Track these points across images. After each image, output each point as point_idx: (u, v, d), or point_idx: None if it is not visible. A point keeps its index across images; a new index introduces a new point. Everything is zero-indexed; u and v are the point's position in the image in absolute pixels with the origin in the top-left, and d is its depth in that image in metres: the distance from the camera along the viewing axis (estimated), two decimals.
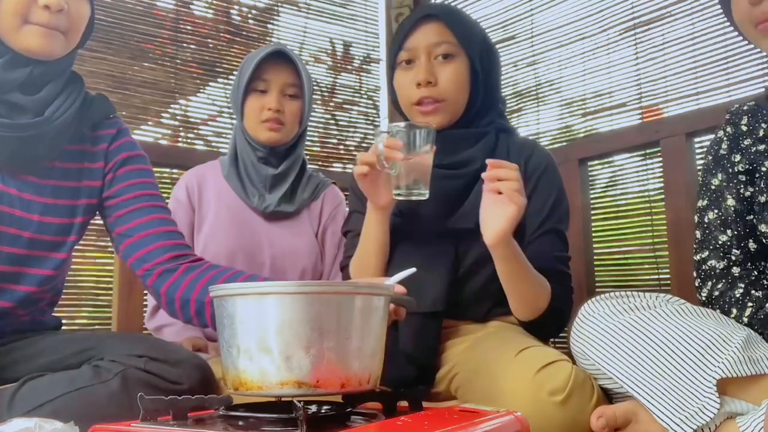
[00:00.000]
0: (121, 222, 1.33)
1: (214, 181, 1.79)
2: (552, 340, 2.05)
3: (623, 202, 2.17)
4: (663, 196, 1.97)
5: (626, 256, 2.14)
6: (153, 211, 1.34)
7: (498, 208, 1.22)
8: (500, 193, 1.22)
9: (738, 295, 1.27)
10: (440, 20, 1.47)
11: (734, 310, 1.26)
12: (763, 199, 1.28)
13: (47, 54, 1.21)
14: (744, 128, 1.35)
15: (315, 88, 2.53)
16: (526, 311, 1.35)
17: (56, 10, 1.18)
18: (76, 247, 1.35)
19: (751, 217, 1.32)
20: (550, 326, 1.39)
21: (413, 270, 1.13)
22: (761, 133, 1.32)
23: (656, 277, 2.02)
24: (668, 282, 1.94)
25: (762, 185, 1.28)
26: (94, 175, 1.33)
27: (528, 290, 1.33)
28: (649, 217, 2.06)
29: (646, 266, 2.08)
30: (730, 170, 1.34)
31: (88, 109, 1.32)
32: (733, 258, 1.32)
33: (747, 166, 1.33)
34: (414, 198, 1.26)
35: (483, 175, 1.24)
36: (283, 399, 0.89)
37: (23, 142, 1.21)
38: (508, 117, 2.43)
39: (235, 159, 1.78)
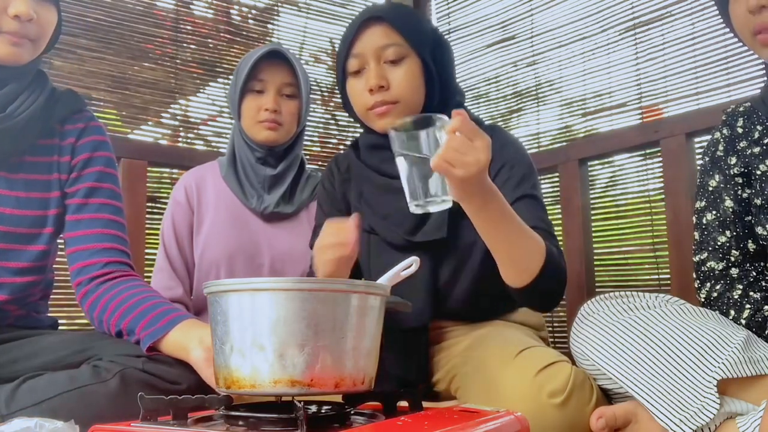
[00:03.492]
0: (70, 227, 1.35)
1: (213, 182, 1.79)
2: (552, 340, 2.07)
3: (623, 202, 2.17)
4: (663, 196, 1.97)
5: (626, 256, 2.13)
6: (97, 224, 1.35)
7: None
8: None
9: (736, 297, 1.27)
10: (385, 21, 1.41)
11: (732, 312, 1.26)
12: (759, 202, 1.28)
13: (16, 62, 1.25)
14: (740, 130, 1.35)
15: (315, 88, 2.53)
16: (518, 272, 1.19)
17: (26, 19, 1.21)
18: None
19: (750, 218, 1.32)
20: (550, 288, 1.23)
21: (410, 263, 1.09)
22: (756, 135, 1.32)
23: (656, 277, 2.02)
24: (668, 282, 1.94)
25: (758, 188, 1.28)
26: (63, 169, 1.36)
27: (517, 244, 1.16)
28: (649, 217, 2.06)
29: (646, 266, 2.08)
30: (727, 172, 1.35)
31: (55, 104, 1.34)
32: (732, 259, 1.32)
33: (743, 169, 1.33)
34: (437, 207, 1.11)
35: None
36: (283, 399, 0.89)
37: None
38: (509, 117, 2.45)
39: (233, 160, 1.78)
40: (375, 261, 1.42)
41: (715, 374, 1.09)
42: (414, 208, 1.10)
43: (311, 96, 2.53)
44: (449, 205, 1.09)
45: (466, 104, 1.59)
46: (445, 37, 1.54)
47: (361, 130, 1.55)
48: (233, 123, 1.81)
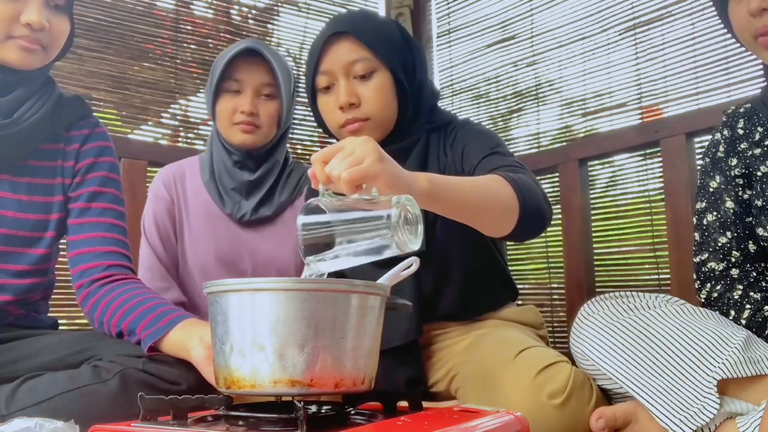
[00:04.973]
0: (72, 230, 1.35)
1: (192, 181, 1.71)
2: (552, 340, 2.07)
3: (623, 202, 2.17)
4: (663, 196, 1.97)
5: (626, 256, 2.13)
6: (100, 228, 1.35)
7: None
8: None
9: (736, 297, 1.27)
10: (351, 35, 1.38)
11: (732, 312, 1.26)
12: (760, 203, 1.28)
13: (25, 67, 1.26)
14: (740, 131, 1.35)
15: None
16: (498, 224, 1.15)
17: (38, 28, 1.22)
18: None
19: (750, 219, 1.32)
20: (537, 217, 1.19)
21: (409, 263, 1.06)
22: (757, 136, 1.32)
23: (656, 277, 2.02)
24: (668, 282, 1.94)
25: (759, 189, 1.29)
26: (67, 173, 1.36)
27: (487, 206, 1.12)
28: (649, 217, 2.06)
29: (646, 266, 2.08)
30: (728, 173, 1.35)
31: (61, 110, 1.35)
32: (733, 260, 1.32)
33: (744, 170, 1.33)
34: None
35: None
36: (283, 399, 0.89)
37: None
38: (509, 117, 2.45)
39: (212, 163, 1.69)
40: (355, 273, 1.40)
41: (715, 374, 1.09)
42: (401, 237, 0.86)
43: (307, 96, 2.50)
44: (408, 199, 0.88)
45: (440, 103, 1.56)
46: (414, 39, 1.50)
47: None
48: (212, 125, 1.72)
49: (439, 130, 1.46)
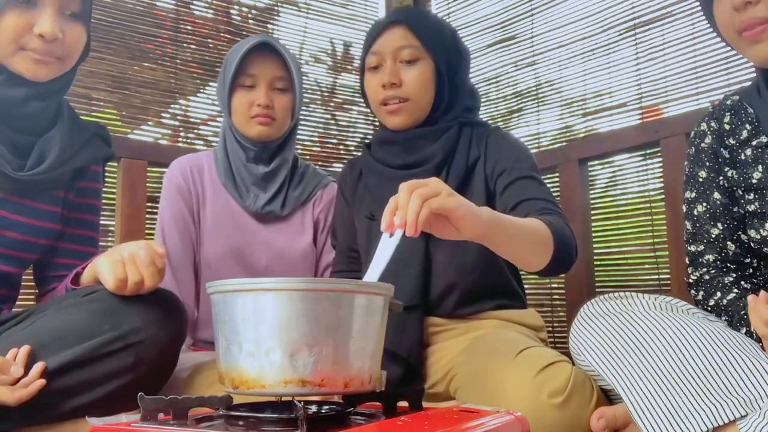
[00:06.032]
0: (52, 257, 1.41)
1: (210, 175, 1.73)
2: (552, 340, 2.07)
3: (623, 202, 2.17)
4: (663, 196, 1.97)
5: (626, 256, 2.13)
6: (74, 255, 1.41)
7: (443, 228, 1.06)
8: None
9: (726, 282, 1.28)
10: (405, 25, 1.52)
11: (718, 294, 1.27)
12: (751, 208, 1.28)
13: (38, 78, 1.25)
14: (726, 126, 1.34)
15: (315, 88, 2.53)
16: (537, 263, 1.23)
17: (50, 39, 1.21)
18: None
19: (737, 209, 1.32)
20: (565, 262, 1.27)
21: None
22: (744, 134, 1.31)
23: (656, 277, 2.02)
24: (668, 282, 1.94)
25: (752, 197, 1.28)
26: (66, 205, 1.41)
27: (529, 246, 1.20)
28: (649, 217, 2.06)
29: (646, 266, 2.08)
30: (716, 166, 1.34)
31: (81, 149, 1.38)
32: (728, 251, 1.33)
33: (729, 167, 1.32)
34: None
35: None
36: (283, 399, 0.89)
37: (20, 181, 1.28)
38: (509, 117, 2.45)
39: (227, 158, 1.72)
40: (375, 246, 1.42)
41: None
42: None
43: (312, 96, 2.52)
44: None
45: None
46: (465, 46, 1.62)
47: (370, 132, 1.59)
48: (223, 121, 1.75)
49: (472, 126, 1.55)
